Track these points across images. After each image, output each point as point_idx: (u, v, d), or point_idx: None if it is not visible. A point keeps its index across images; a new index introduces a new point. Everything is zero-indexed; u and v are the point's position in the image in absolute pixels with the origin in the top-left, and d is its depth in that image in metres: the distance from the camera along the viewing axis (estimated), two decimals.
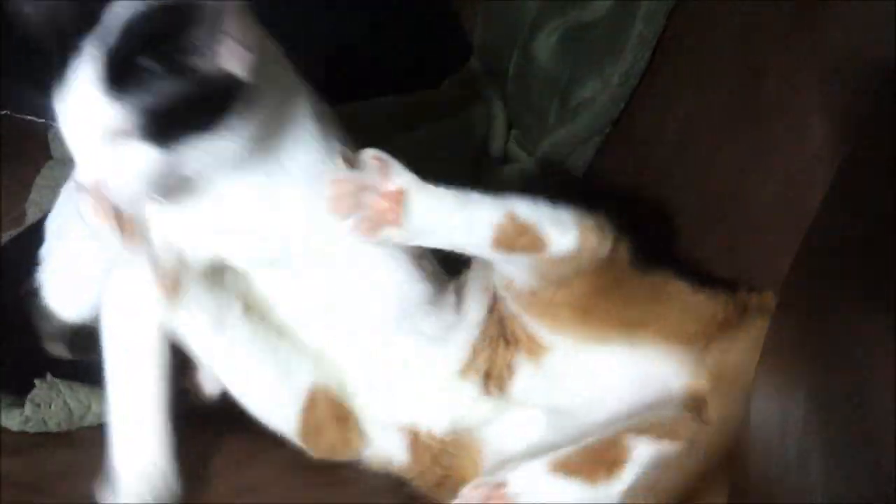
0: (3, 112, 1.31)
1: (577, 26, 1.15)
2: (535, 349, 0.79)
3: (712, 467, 0.70)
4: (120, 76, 0.63)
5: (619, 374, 0.77)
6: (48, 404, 0.85)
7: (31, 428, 0.85)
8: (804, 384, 0.58)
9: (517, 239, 0.72)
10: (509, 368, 0.80)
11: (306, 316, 0.81)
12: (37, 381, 0.85)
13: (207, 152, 0.67)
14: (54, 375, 0.86)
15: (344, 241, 0.74)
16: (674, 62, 1.01)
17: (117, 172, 0.66)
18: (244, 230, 0.76)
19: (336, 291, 0.80)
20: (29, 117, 1.28)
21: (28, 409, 0.84)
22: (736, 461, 0.65)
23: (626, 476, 0.69)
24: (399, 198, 0.71)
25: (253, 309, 0.80)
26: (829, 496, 0.52)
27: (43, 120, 1.22)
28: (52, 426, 0.85)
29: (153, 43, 0.63)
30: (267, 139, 0.71)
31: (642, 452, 0.70)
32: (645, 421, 0.72)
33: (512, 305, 0.79)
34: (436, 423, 0.80)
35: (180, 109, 0.64)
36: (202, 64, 0.63)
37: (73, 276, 0.87)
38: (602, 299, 0.76)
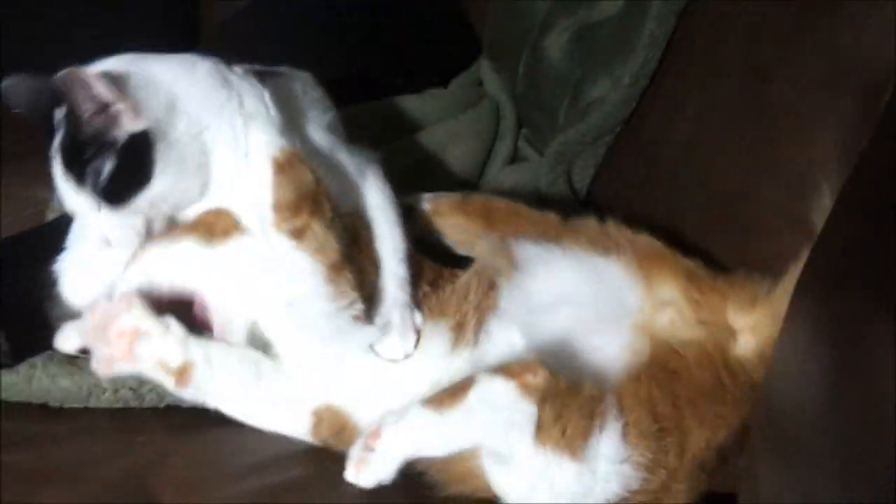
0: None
1: (587, 25, 1.14)
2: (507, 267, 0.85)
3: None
4: (75, 164, 0.76)
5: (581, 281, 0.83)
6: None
7: (35, 392, 0.87)
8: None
9: None
10: (479, 309, 0.84)
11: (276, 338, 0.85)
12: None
13: (154, 195, 0.77)
14: None
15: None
16: (684, 62, 1.01)
17: (108, 230, 0.79)
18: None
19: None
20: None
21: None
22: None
23: (466, 405, 0.74)
24: (133, 336, 0.79)
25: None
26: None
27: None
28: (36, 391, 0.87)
29: (76, 139, 0.75)
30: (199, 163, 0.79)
31: (482, 386, 0.74)
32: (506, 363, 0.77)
33: None
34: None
35: (121, 174, 0.75)
36: (107, 135, 0.75)
37: (88, 269, 0.89)
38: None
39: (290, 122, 0.84)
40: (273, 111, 0.81)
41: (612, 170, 1.10)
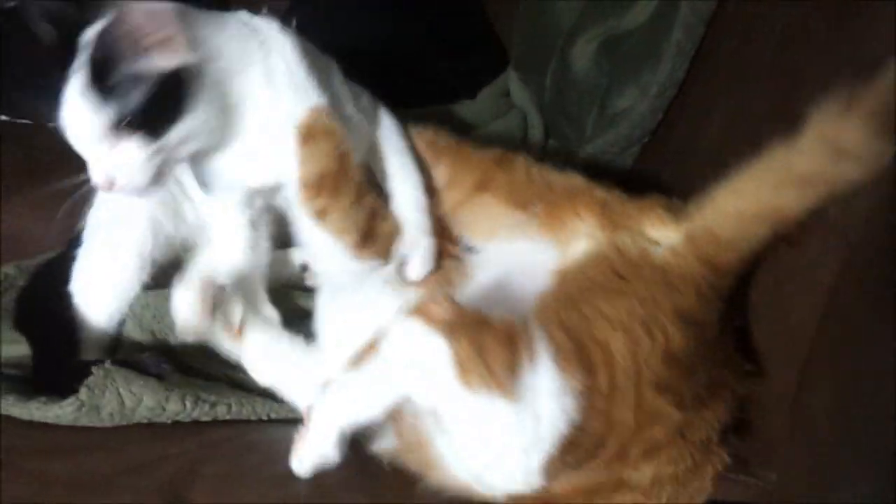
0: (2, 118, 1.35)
1: (615, 35, 1.15)
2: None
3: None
4: (99, 86, 0.76)
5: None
6: (102, 391, 0.86)
7: (84, 417, 0.86)
8: None
9: None
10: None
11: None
12: (93, 368, 0.87)
13: (185, 131, 0.79)
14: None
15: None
16: (710, 69, 1.01)
17: (120, 167, 0.78)
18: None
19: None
20: (24, 121, 1.32)
21: (83, 393, 0.85)
22: None
23: (380, 354, 0.75)
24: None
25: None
26: None
27: (38, 123, 1.27)
28: (105, 416, 0.86)
29: (110, 61, 0.76)
30: (229, 106, 0.83)
31: (391, 330, 0.75)
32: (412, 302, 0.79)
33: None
34: None
35: (153, 105, 0.77)
36: (146, 68, 0.76)
37: (100, 285, 0.95)
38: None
39: (317, 71, 0.88)
40: (304, 61, 0.86)
41: (639, 181, 1.09)
